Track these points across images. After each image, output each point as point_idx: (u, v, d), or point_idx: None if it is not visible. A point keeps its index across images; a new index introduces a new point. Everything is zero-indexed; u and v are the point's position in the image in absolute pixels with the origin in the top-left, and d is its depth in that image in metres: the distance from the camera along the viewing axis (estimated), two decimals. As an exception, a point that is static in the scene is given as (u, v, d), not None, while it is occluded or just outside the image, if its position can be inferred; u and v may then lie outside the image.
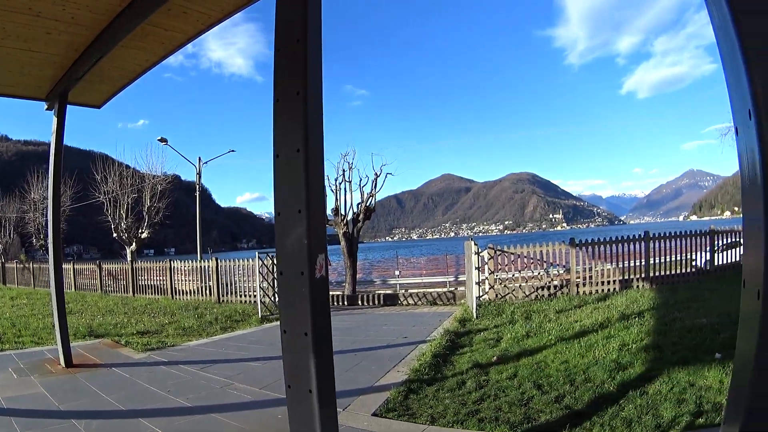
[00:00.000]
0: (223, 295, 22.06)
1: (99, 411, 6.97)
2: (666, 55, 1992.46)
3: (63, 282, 9.43)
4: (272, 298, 17.91)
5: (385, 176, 24.13)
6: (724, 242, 19.71)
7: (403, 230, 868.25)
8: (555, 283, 17.83)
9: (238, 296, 21.58)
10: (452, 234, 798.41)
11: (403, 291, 22.07)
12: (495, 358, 9.23)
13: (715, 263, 19.24)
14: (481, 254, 16.93)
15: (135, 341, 12.33)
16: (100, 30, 5.40)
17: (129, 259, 32.44)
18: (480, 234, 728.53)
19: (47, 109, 7.98)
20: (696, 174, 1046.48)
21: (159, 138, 36.12)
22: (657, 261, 18.78)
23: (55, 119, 7.68)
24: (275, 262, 2.69)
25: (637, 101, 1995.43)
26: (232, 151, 44.20)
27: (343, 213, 23.59)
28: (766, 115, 1.70)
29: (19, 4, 4.63)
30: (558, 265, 18.56)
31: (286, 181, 2.72)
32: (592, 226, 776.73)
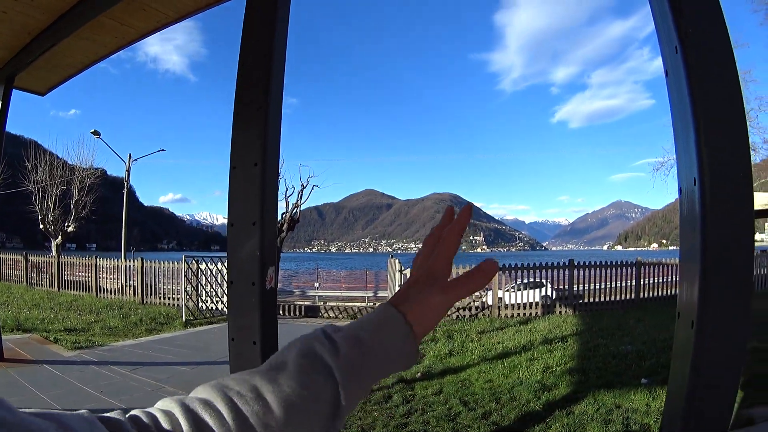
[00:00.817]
0: (146, 296, 21.81)
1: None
2: (603, 87, 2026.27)
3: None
4: (196, 303, 17.88)
5: (312, 188, 24.31)
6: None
7: (323, 242, 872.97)
8: (476, 304, 18.08)
9: (163, 298, 21.39)
10: (371, 249, 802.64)
11: (323, 303, 22.21)
12: (419, 374, 9.40)
13: (641, 295, 19.78)
14: (404, 272, 17.21)
15: (64, 338, 12.23)
16: (58, 16, 5.30)
17: (54, 252, 31.69)
18: (399, 251, 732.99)
19: (-9, 91, 7.84)
20: (623, 205, 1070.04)
21: (92, 131, 35.58)
22: (580, 288, 19.23)
23: (-1, 102, 7.57)
24: (226, 271, 2.75)
25: (568, 130, 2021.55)
26: (162, 150, 44.00)
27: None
28: (705, 119, 1.83)
29: (-20, -20, 4.52)
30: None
31: (241, 194, 2.78)
32: (513, 250, 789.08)
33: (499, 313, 17.66)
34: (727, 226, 1.80)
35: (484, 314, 17.70)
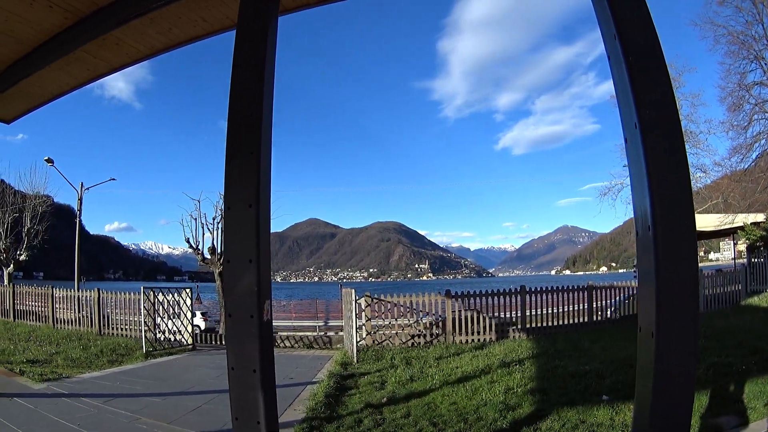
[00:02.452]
0: (103, 327, 21.64)
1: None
2: (547, 113, 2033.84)
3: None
4: (154, 334, 17.80)
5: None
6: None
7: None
8: (432, 331, 18.41)
9: (120, 329, 21.27)
10: (316, 278, 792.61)
11: (276, 333, 21.94)
12: (384, 398, 9.60)
13: (593, 317, 20.17)
14: (358, 301, 17.41)
15: (29, 370, 12.23)
16: (33, 47, 5.37)
17: (7, 281, 31.21)
18: (345, 280, 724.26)
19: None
20: (570, 230, 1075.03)
21: (46, 158, 35.41)
22: (533, 313, 19.59)
23: (-34, 129, 7.50)
24: (225, 305, 2.89)
25: (512, 157, 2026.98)
26: (113, 179, 43.37)
27: (219, 252, 23.53)
28: (656, 178, 2.13)
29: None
30: (429, 314, 19.14)
31: (237, 233, 2.92)
32: (459, 277, 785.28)
33: (453, 340, 17.92)
34: (676, 249, 2.10)
35: (438, 341, 17.95)
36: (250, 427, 2.89)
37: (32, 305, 25.37)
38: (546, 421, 7.79)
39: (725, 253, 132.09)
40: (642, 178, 2.16)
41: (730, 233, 33.83)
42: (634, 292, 20.29)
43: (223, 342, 19.75)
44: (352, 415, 8.59)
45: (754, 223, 26.82)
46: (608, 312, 19.41)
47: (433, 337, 18.18)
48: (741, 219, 29.02)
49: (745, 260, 26.19)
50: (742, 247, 28.12)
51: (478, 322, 18.41)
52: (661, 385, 2.12)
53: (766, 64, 27.97)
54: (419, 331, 18.37)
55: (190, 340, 18.90)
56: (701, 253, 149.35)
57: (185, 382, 11.81)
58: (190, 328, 19.10)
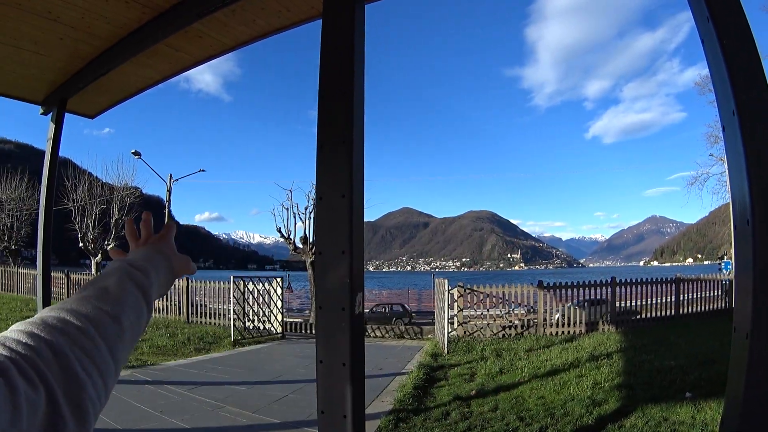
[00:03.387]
0: (192, 316, 22.00)
1: (95, 428, 7.14)
2: (635, 101, 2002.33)
3: (51, 294, 9.50)
4: (243, 323, 18.06)
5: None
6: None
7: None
8: (522, 322, 18.29)
9: (208, 318, 21.50)
10: (408, 268, 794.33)
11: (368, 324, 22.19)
12: (473, 391, 9.54)
13: (680, 311, 19.81)
14: (451, 292, 17.32)
15: (115, 358, 12.43)
16: (113, 43, 5.34)
17: (94, 270, 32.27)
18: (437, 269, 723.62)
19: (42, 114, 7.97)
20: (658, 220, 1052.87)
21: (133, 151, 36.28)
22: (625, 305, 19.27)
23: (52, 125, 7.55)
24: (315, 297, 2.87)
25: (602, 146, 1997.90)
26: (203, 170, 44.05)
27: (311, 242, 23.74)
28: (756, 167, 2.03)
29: (39, 6, 4.58)
30: (521, 305, 19.03)
31: (329, 224, 2.87)
32: (551, 267, 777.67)
33: (544, 332, 17.80)
34: None
35: (529, 332, 17.83)
36: (336, 421, 2.86)
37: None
38: (630, 417, 7.68)
39: None
40: (741, 169, 2.06)
41: None
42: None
43: (312, 331, 19.88)
44: (439, 407, 8.56)
45: None
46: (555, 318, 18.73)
47: (524, 328, 18.07)
48: None
49: None
50: None
51: (569, 314, 18.24)
52: (753, 389, 2.05)
53: None
54: (511, 322, 18.28)
55: (279, 329, 19.12)
56: None
57: (272, 372, 11.87)
58: (279, 317, 19.30)
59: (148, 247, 1.34)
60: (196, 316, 21.94)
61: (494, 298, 18.86)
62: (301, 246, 24.07)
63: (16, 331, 0.76)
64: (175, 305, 23.01)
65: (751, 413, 2.01)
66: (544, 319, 18.12)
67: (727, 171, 1.95)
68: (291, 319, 21.73)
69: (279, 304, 19.45)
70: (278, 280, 20.07)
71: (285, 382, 10.70)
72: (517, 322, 18.30)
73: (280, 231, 24.83)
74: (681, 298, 20.23)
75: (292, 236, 24.70)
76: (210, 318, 21.45)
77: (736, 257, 2.20)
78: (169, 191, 38.03)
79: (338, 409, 2.89)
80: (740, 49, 2.21)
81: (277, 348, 16.32)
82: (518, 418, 7.81)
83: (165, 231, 1.45)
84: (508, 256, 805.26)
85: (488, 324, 18.18)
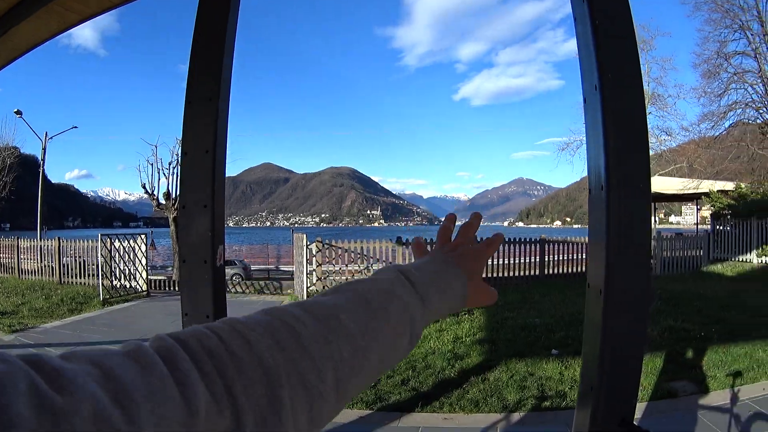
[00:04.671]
0: (63, 276, 21.62)
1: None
2: (511, 66, 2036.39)
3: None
4: (111, 281, 18.03)
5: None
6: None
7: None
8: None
9: (79, 278, 21.11)
10: (268, 223, 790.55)
11: (228, 278, 22.23)
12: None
13: (545, 271, 20.53)
14: (309, 247, 17.64)
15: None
16: (11, 6, 5.19)
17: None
18: (297, 225, 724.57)
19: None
20: (525, 182, 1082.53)
21: (15, 110, 34.92)
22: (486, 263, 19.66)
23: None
24: (179, 251, 2.87)
25: (470, 107, 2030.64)
26: (75, 127, 42.70)
27: (174, 198, 23.38)
28: (613, 139, 2.14)
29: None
30: (379, 261, 19.33)
31: (193, 178, 2.88)
32: (411, 224, 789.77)
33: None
34: (629, 209, 2.12)
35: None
36: None
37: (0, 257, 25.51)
38: (494, 371, 8.00)
39: (687, 218, 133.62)
40: (598, 139, 2.15)
41: (693, 198, 34.05)
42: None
43: (176, 288, 19.79)
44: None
45: (722, 191, 26.95)
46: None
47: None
48: (707, 185, 29.10)
49: (709, 227, 26.33)
50: (706, 213, 28.24)
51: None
52: (609, 342, 2.15)
53: (752, 34, 27.98)
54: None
55: (145, 287, 18.99)
56: (661, 215, 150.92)
57: (141, 330, 11.97)
58: (145, 275, 19.16)
59: (453, 257, 1.09)
60: (68, 276, 21.57)
61: (352, 254, 19.12)
62: (164, 202, 23.70)
63: (227, 327, 0.64)
64: (48, 266, 22.71)
65: (607, 365, 2.12)
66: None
67: (586, 140, 2.03)
68: (155, 277, 21.45)
69: (144, 261, 19.34)
70: (142, 237, 19.96)
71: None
72: None
73: (144, 187, 24.36)
74: (546, 259, 20.86)
75: (156, 192, 24.27)
76: (80, 278, 21.10)
77: (590, 219, 2.30)
78: (44, 149, 36.44)
79: (205, 361, 2.89)
80: (613, 29, 2.28)
81: (144, 306, 16.43)
82: None
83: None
84: (368, 212, 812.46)
85: (347, 279, 18.19)
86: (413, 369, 8.19)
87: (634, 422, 2.02)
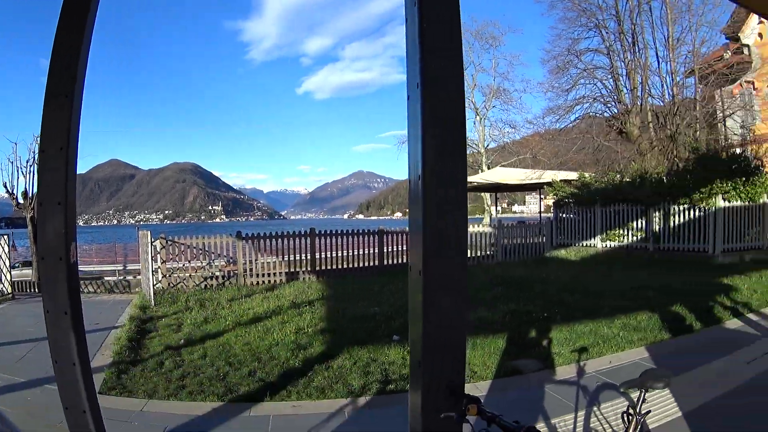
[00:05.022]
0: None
1: None
2: (356, 60, 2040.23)
3: None
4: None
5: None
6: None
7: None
8: (223, 273, 18.74)
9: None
10: (115, 221, 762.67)
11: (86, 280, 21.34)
12: (182, 341, 9.86)
13: (384, 262, 20.91)
14: (153, 244, 17.30)
15: None
16: None
17: None
18: (142, 222, 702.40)
19: None
20: (366, 175, 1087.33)
21: None
22: (323, 256, 20.00)
23: None
24: (36, 248, 2.91)
25: (314, 101, 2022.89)
26: None
27: (30, 196, 22.38)
28: (431, 132, 2.42)
29: None
30: (221, 256, 19.57)
31: (48, 176, 2.98)
32: (252, 219, 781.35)
33: (245, 281, 18.24)
34: (445, 199, 2.40)
35: (230, 283, 18.21)
36: (68, 369, 2.95)
37: None
38: (337, 359, 8.27)
39: (531, 207, 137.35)
40: (417, 134, 2.39)
41: (536, 188, 35.35)
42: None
43: (35, 290, 19.11)
44: (154, 357, 8.77)
45: (565, 180, 28.06)
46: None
47: (225, 279, 18.44)
48: (550, 175, 30.30)
49: (552, 214, 27.37)
50: (550, 201, 29.53)
51: (268, 264, 18.92)
52: (431, 320, 2.40)
53: (607, 32, 29.26)
54: (212, 273, 18.60)
55: (9, 289, 18.09)
56: (504, 205, 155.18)
57: (7, 334, 11.42)
58: (9, 276, 18.27)
59: None
60: None
61: (195, 250, 19.02)
62: (22, 201, 22.60)
63: None
64: None
65: (431, 340, 2.42)
66: (245, 270, 18.53)
67: (407, 135, 2.24)
68: (18, 279, 20.32)
69: (7, 263, 18.40)
70: (5, 237, 19.04)
71: (22, 342, 10.25)
72: (218, 273, 18.67)
73: (5, 186, 23.09)
74: (385, 250, 21.14)
75: (15, 191, 23.09)
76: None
77: (410, 209, 2.60)
78: None
79: (68, 357, 3.00)
80: (438, 33, 2.54)
81: (10, 308, 15.68)
82: (227, 364, 8.23)
83: None
84: (210, 208, 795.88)
85: (190, 275, 18.30)
86: (259, 360, 8.36)
87: (477, 397, 2.30)
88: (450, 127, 2.45)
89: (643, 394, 3.18)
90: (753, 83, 31.87)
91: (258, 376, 7.68)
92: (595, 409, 6.01)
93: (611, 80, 29.75)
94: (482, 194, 50.02)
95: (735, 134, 29.59)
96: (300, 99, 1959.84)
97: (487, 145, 54.99)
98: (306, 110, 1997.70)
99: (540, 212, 40.91)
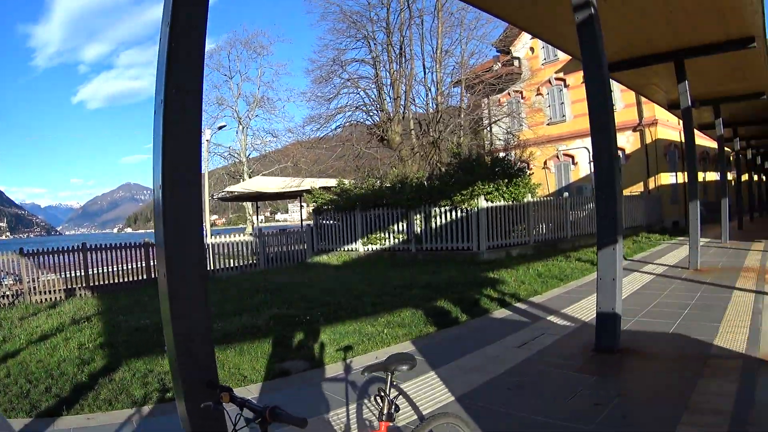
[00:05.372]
0: None
1: None
2: (129, 67, 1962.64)
3: None
4: None
5: None
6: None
7: None
8: (12, 292, 18.09)
9: None
10: None
11: None
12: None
13: (152, 274, 20.67)
14: None
15: None
16: None
17: None
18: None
19: None
20: (133, 187, 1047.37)
21: None
22: (97, 271, 19.90)
23: None
24: None
25: (86, 111, 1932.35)
26: None
27: None
28: (171, 139, 2.77)
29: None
30: (9, 274, 18.74)
31: None
32: (32, 236, 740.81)
33: (31, 300, 17.74)
34: (180, 206, 2.74)
35: (19, 301, 17.66)
36: None
37: None
38: (118, 372, 8.61)
39: (294, 215, 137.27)
40: (158, 146, 2.73)
41: (297, 195, 35.50)
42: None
43: None
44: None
45: (324, 188, 28.31)
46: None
47: (14, 297, 17.88)
48: (309, 183, 30.63)
49: (313, 221, 27.53)
50: (311, 209, 29.87)
51: (49, 282, 18.38)
52: (180, 326, 2.76)
53: (374, 44, 29.93)
54: (3, 293, 17.96)
55: None
56: (267, 213, 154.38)
57: None
58: None
59: None
60: None
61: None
62: None
63: None
64: None
65: (181, 338, 2.79)
66: (29, 288, 17.97)
67: (152, 145, 2.51)
68: None
69: None
70: None
71: None
72: (8, 292, 18.06)
73: None
74: (151, 264, 20.97)
75: None
76: None
77: (155, 226, 2.98)
78: None
79: None
80: (184, 54, 2.87)
81: None
82: (27, 381, 8.34)
83: None
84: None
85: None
86: (52, 377, 8.50)
87: (229, 386, 2.52)
88: (187, 141, 2.83)
89: (389, 377, 3.62)
90: (522, 92, 34.95)
91: (53, 392, 7.85)
92: (365, 401, 6.55)
93: (375, 90, 30.65)
94: (244, 204, 50.88)
95: (499, 140, 32.04)
96: (75, 108, 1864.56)
97: (249, 155, 55.98)
98: (79, 120, 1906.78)
99: (302, 220, 41.80)
